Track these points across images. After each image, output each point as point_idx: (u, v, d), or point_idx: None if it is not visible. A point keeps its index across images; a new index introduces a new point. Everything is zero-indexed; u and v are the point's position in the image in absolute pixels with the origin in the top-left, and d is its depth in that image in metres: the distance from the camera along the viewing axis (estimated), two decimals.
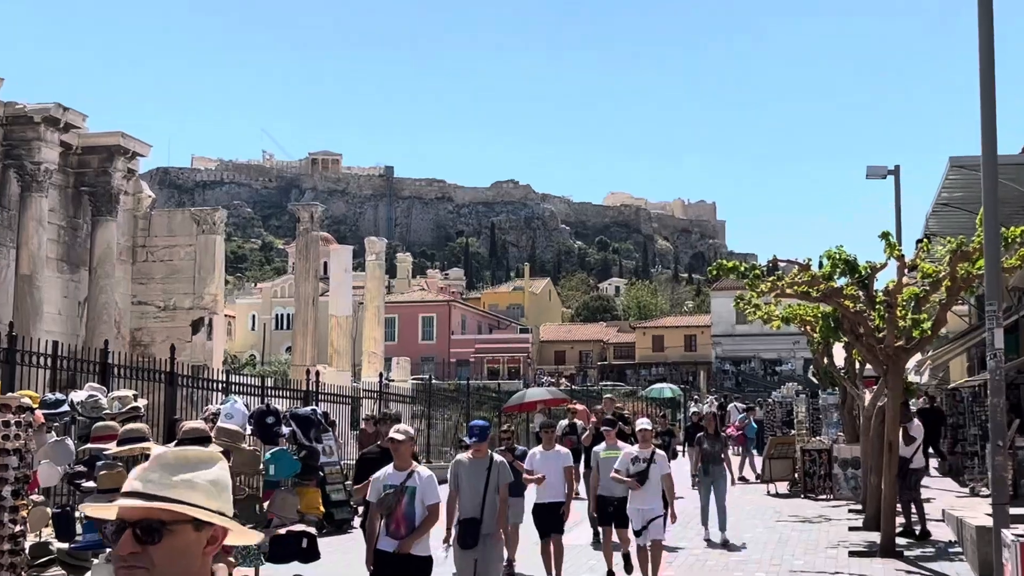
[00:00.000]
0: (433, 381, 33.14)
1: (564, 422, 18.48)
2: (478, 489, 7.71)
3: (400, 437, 6.89)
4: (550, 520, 9.61)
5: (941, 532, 12.94)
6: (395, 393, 23.11)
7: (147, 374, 13.48)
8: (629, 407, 32.61)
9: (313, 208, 26.27)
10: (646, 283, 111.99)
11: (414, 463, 6.96)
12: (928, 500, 14.66)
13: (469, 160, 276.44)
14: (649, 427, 10.14)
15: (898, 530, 12.19)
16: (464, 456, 8.15)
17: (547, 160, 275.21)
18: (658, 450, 9.90)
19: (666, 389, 37.05)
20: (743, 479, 20.48)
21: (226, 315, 36.69)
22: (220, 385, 15.07)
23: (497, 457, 8.07)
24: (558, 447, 10.18)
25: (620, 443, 10.51)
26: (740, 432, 22.91)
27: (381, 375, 23.65)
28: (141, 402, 8.53)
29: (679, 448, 20.80)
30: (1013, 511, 8.76)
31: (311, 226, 25.08)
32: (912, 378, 16.92)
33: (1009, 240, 10.51)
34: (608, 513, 10.18)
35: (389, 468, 6.93)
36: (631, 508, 9.64)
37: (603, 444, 10.55)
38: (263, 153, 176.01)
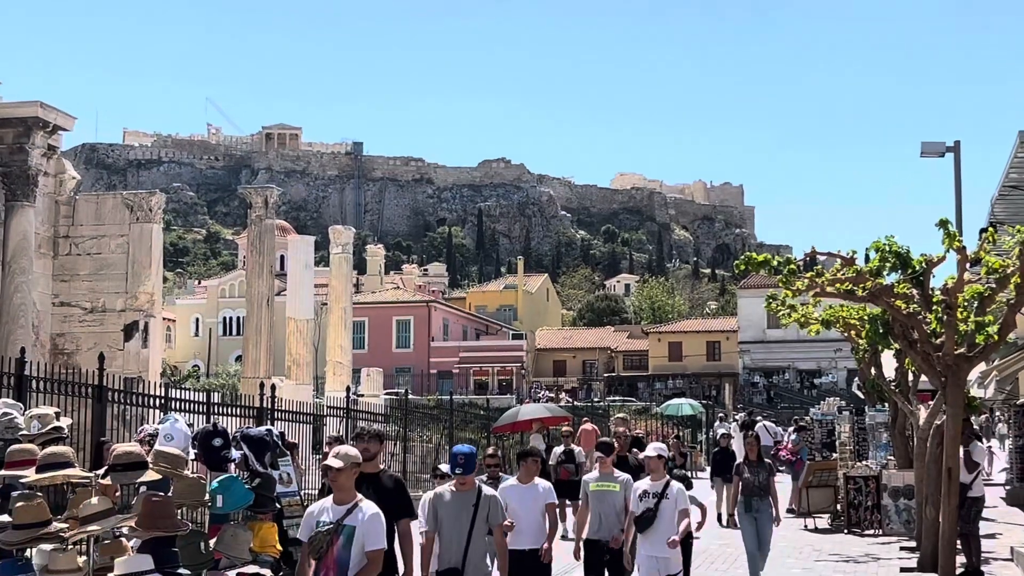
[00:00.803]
0: (410, 396, 33.14)
1: (559, 449, 18.40)
2: (462, 530, 7.44)
3: (338, 464, 6.62)
4: (527, 572, 8.66)
5: (1010, 574, 12.99)
6: (365, 411, 23.09)
7: (71, 388, 13.41)
8: (642, 427, 32.67)
9: (268, 192, 26.17)
10: (661, 280, 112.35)
11: (359, 496, 6.66)
12: (993, 536, 14.72)
13: (452, 135, 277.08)
14: (655, 454, 9.75)
15: (959, 571, 12.23)
16: (445, 488, 7.86)
17: (544, 135, 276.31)
18: (675, 482, 9.57)
19: (685, 405, 37.12)
20: (791, 510, 19.93)
21: (165, 318, 36.57)
22: (158, 401, 15.01)
23: (487, 490, 7.80)
24: (538, 480, 9.25)
25: (620, 474, 9.91)
26: (796, 457, 21.79)
27: (349, 389, 23.58)
28: (64, 421, 8.46)
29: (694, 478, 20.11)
30: None
31: (265, 213, 25.00)
32: (975, 392, 16.99)
33: None
34: (599, 563, 9.58)
35: (327, 500, 6.71)
36: (641, 556, 9.28)
37: (594, 473, 10.08)
38: (208, 127, 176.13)
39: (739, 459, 13.78)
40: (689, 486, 11.78)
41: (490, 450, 11.67)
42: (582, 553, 9.57)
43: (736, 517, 12.71)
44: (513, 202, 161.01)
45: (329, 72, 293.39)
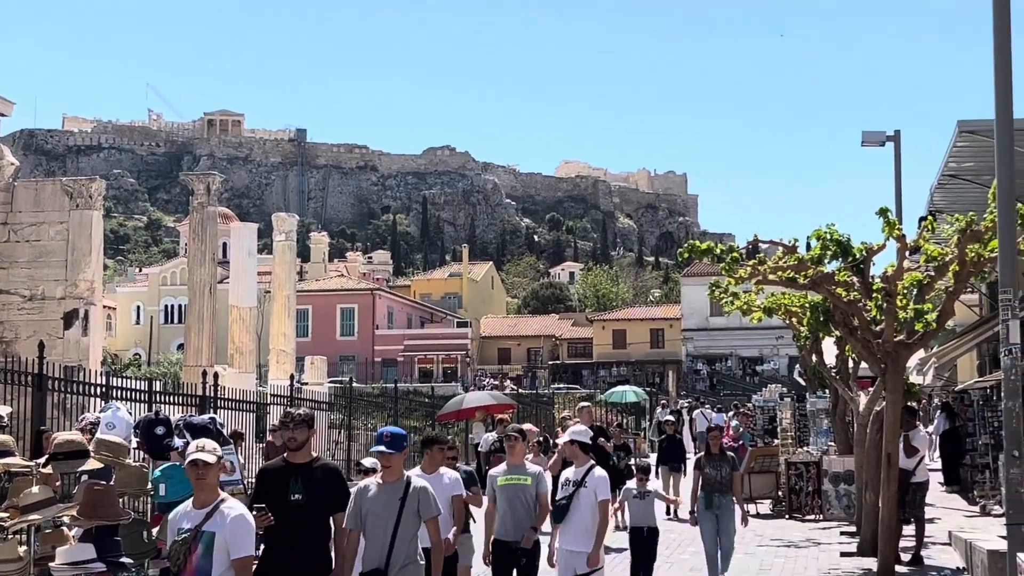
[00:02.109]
0: (354, 384, 32.96)
1: (491, 436, 18.26)
2: (386, 526, 6.69)
3: (207, 459, 5.83)
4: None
5: (948, 557, 13.23)
6: (310, 399, 22.93)
7: (10, 376, 13.17)
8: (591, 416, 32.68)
9: (210, 178, 25.86)
10: (605, 268, 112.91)
11: (222, 496, 5.89)
12: (932, 520, 14.99)
13: (396, 122, 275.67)
14: (569, 439, 8.88)
15: (907, 557, 12.43)
16: (370, 481, 7.08)
17: (489, 123, 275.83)
18: (597, 468, 8.70)
19: (629, 393, 37.31)
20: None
21: (105, 306, 36.01)
22: (99, 389, 14.78)
23: (416, 481, 7.02)
24: (443, 471, 8.51)
25: (532, 466, 8.89)
26: (738, 443, 21.93)
27: (292, 377, 23.44)
28: (4, 410, 8.31)
29: (637, 466, 18.60)
30: None
31: (207, 200, 24.70)
32: (914, 378, 17.30)
33: None
34: (509, 567, 8.49)
35: (188, 504, 5.96)
36: (557, 549, 8.54)
37: (502, 466, 8.83)
38: (149, 113, 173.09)
39: (690, 449, 13.60)
40: (629, 475, 11.51)
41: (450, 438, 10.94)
42: (491, 556, 8.55)
43: (696, 514, 11.38)
44: (458, 190, 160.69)
45: (272, 59, 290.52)
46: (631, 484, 10.65)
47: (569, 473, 8.75)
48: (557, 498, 8.68)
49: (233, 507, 5.78)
